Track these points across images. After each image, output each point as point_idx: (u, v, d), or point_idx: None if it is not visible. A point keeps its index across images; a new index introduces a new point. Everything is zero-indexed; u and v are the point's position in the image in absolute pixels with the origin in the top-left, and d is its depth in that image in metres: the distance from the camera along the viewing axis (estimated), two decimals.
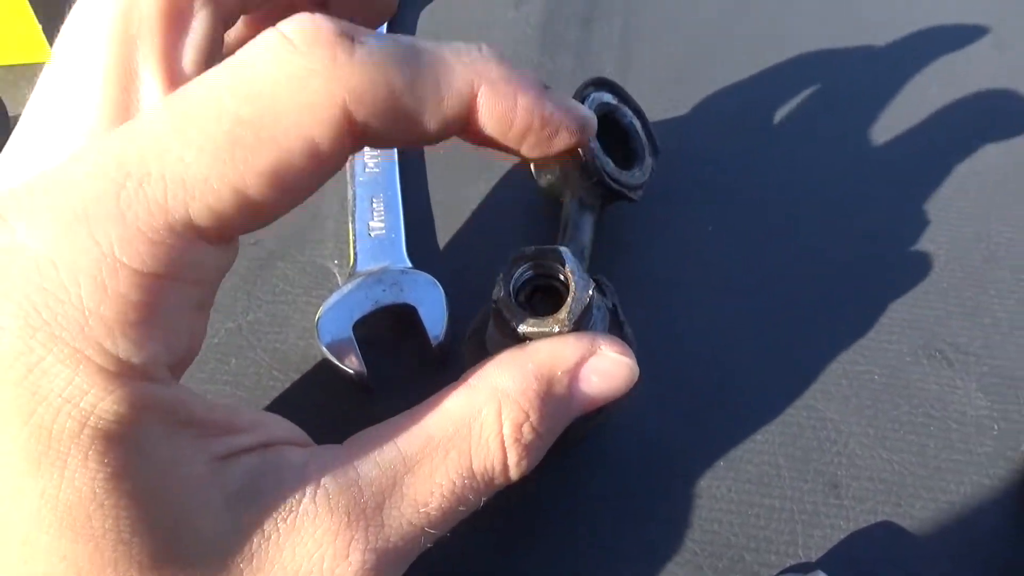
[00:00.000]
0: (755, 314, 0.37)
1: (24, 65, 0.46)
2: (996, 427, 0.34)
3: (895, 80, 0.47)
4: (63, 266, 0.16)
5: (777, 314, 0.37)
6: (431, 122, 0.20)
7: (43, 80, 0.22)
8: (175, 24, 0.21)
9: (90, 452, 0.17)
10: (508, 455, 0.22)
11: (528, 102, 0.21)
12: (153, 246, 0.17)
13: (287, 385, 0.34)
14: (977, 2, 0.53)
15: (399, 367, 0.34)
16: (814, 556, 0.30)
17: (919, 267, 0.39)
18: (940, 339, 0.36)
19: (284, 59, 0.18)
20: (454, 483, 0.21)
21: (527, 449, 0.22)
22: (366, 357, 0.33)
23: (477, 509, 0.23)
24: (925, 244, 0.40)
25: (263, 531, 0.19)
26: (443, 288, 0.35)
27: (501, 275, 0.24)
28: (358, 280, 0.35)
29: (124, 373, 0.17)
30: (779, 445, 0.33)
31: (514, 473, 0.22)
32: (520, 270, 0.24)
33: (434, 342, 0.34)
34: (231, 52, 0.19)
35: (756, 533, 0.31)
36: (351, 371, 0.33)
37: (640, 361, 0.33)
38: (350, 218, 0.38)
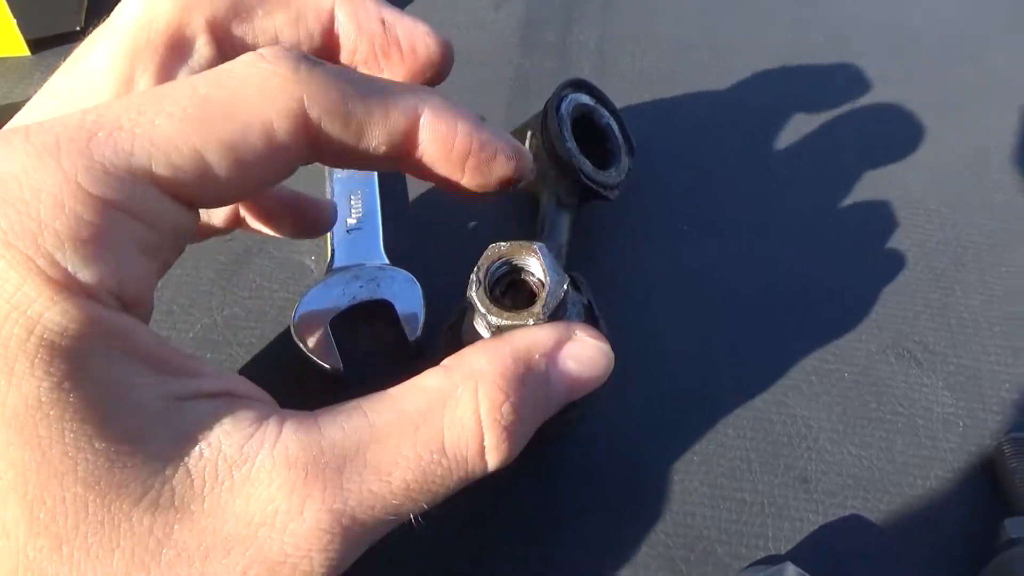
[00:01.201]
0: (728, 312, 0.37)
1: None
2: (961, 424, 0.34)
3: (868, 84, 0.48)
4: (27, 183, 0.18)
5: (749, 312, 0.37)
6: (379, 133, 0.22)
7: (52, 80, 0.24)
8: (175, 52, 0.24)
9: (36, 360, 0.17)
10: (485, 436, 0.21)
11: (467, 127, 0.23)
12: (112, 178, 0.19)
13: (263, 380, 0.34)
14: (949, 11, 0.54)
15: (376, 362, 0.34)
16: (784, 548, 0.31)
17: (889, 268, 0.40)
18: (908, 338, 0.37)
19: (254, 65, 0.21)
20: (421, 457, 0.20)
21: (506, 432, 0.21)
22: (343, 353, 0.33)
23: (448, 494, 0.21)
24: (895, 246, 0.41)
25: (216, 475, 0.18)
26: (420, 284, 0.35)
27: (476, 269, 0.24)
28: (335, 276, 0.36)
29: (71, 287, 0.18)
30: (751, 440, 0.33)
31: (491, 457, 0.21)
32: (495, 265, 0.24)
33: (411, 337, 0.34)
34: None
35: (728, 526, 0.31)
36: (327, 366, 0.33)
37: (615, 357, 0.34)
38: None
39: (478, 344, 0.23)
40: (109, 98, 0.23)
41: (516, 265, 0.25)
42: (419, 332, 0.34)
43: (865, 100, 0.47)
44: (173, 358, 0.20)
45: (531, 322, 0.23)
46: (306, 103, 0.21)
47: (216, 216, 0.31)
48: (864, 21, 0.53)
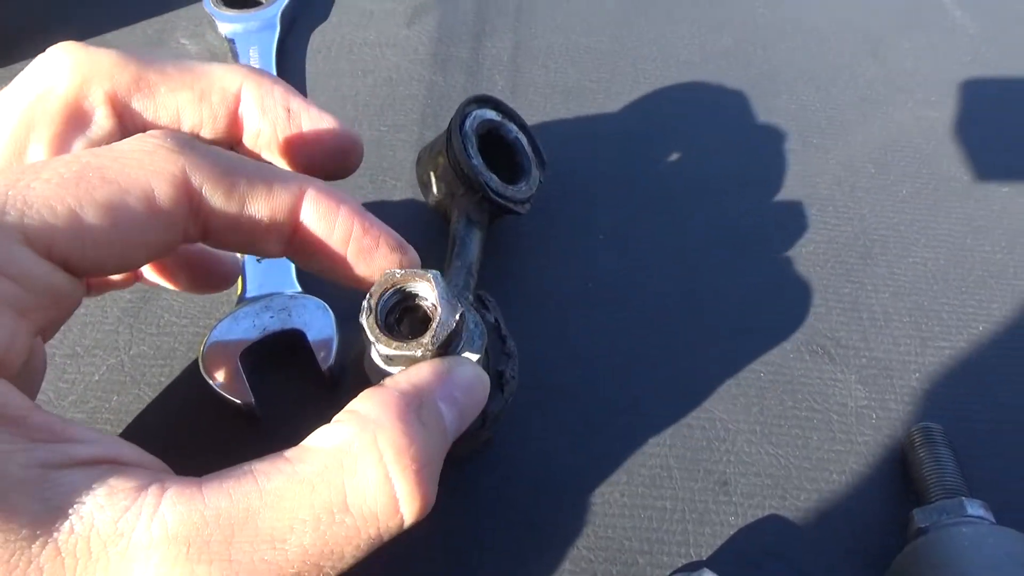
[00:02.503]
0: (644, 320, 0.38)
1: None
2: (874, 416, 0.35)
3: (775, 85, 0.49)
4: None
5: (666, 319, 0.38)
6: (261, 206, 0.22)
7: None
8: (72, 123, 0.24)
9: None
10: (396, 485, 0.20)
11: (349, 210, 0.24)
12: None
13: (173, 420, 0.33)
14: (854, 14, 0.56)
15: (289, 394, 0.34)
16: (704, 554, 0.31)
17: (801, 266, 0.40)
18: (821, 334, 0.38)
19: (139, 140, 0.21)
20: (320, 519, 0.19)
21: (418, 477, 0.20)
22: (254, 386, 0.32)
23: (359, 557, 0.20)
24: (805, 243, 0.41)
25: (89, 553, 0.17)
26: (333, 312, 0.35)
27: (368, 296, 0.24)
28: (246, 307, 0.35)
29: None
30: (670, 447, 0.34)
31: (408, 508, 0.20)
32: (388, 293, 0.24)
33: (324, 366, 0.33)
34: None
35: (649, 535, 0.31)
36: (239, 401, 0.32)
37: (529, 372, 0.34)
38: None
39: (363, 395, 0.22)
40: None
41: (409, 292, 0.24)
42: (332, 360, 0.33)
43: (772, 102, 0.48)
44: (44, 423, 0.18)
45: (419, 353, 0.23)
46: (188, 170, 0.21)
47: None
48: (770, 24, 0.54)
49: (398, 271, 0.25)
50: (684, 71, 0.50)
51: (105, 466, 0.19)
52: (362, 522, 0.19)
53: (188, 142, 0.22)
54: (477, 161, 0.35)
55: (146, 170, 0.20)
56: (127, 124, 0.25)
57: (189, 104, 0.25)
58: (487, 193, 0.35)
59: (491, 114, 0.37)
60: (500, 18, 0.52)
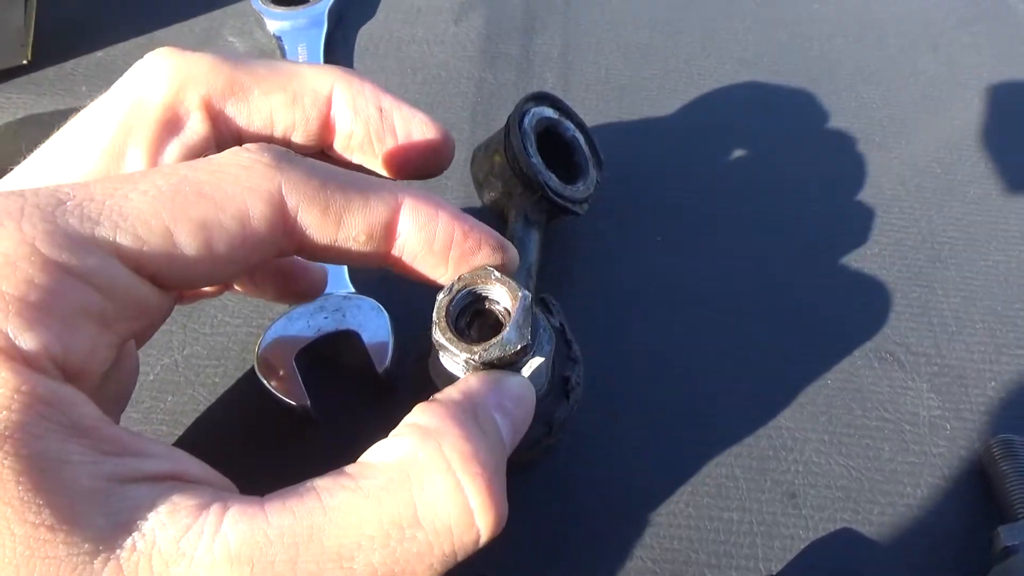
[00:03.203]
0: (706, 326, 0.36)
1: None
2: (948, 426, 0.34)
3: (834, 82, 0.48)
4: None
5: (728, 325, 0.36)
6: (358, 221, 0.22)
7: (43, 148, 0.24)
8: (168, 128, 0.24)
9: None
10: (469, 495, 0.19)
11: (448, 216, 0.23)
12: (73, 244, 0.18)
13: (228, 421, 0.33)
14: (912, 6, 0.54)
15: (345, 396, 0.33)
16: (774, 568, 0.30)
17: (866, 269, 0.39)
18: (890, 341, 0.36)
19: (236, 154, 0.21)
20: (389, 535, 0.18)
21: (489, 487, 0.19)
22: (309, 388, 0.32)
23: (437, 573, 0.19)
24: (871, 247, 0.40)
25: (151, 572, 0.17)
26: (387, 312, 0.34)
27: (437, 309, 0.23)
28: (299, 308, 0.34)
29: (8, 351, 0.17)
30: (736, 456, 0.32)
31: (482, 521, 0.19)
32: (458, 297, 0.23)
33: (380, 368, 0.33)
34: None
35: (716, 548, 0.30)
36: (294, 403, 0.31)
37: (593, 378, 0.33)
38: None
39: (417, 408, 0.21)
40: (98, 171, 0.23)
41: (480, 295, 0.24)
42: (388, 362, 0.33)
43: (830, 99, 0.47)
44: (115, 436, 0.18)
45: (499, 353, 0.22)
46: (284, 189, 0.20)
47: None
48: (826, 19, 0.52)
49: (464, 274, 0.24)
50: (738, 67, 0.48)
51: (170, 483, 0.18)
52: (435, 537, 0.19)
53: (285, 155, 0.21)
54: (536, 160, 0.34)
55: (242, 187, 0.20)
56: (221, 128, 0.25)
57: (282, 107, 0.25)
58: (546, 193, 0.34)
59: (549, 112, 0.36)
60: (549, 15, 0.51)
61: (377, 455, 0.20)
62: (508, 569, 0.29)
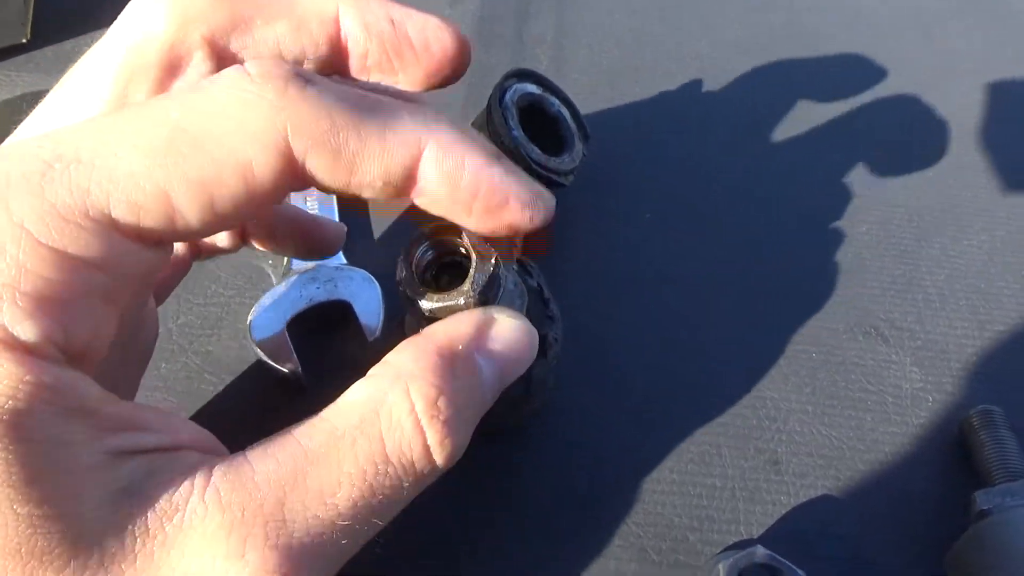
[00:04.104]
0: (694, 300, 0.37)
1: None
2: (930, 399, 0.34)
3: (824, 65, 0.48)
4: None
5: (715, 299, 0.37)
6: (374, 167, 0.20)
7: (48, 98, 0.23)
8: (171, 68, 0.22)
9: None
10: (428, 434, 0.20)
11: (476, 165, 0.21)
12: (64, 223, 0.17)
13: (220, 388, 0.33)
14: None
15: (335, 364, 0.33)
16: (756, 532, 0.30)
17: (852, 247, 0.39)
18: (875, 316, 0.37)
19: (237, 86, 0.19)
20: (365, 471, 0.19)
21: (446, 426, 0.20)
22: (301, 355, 0.32)
23: (402, 505, 0.21)
24: (858, 224, 0.40)
25: (148, 530, 0.18)
26: (379, 283, 0.34)
27: (402, 256, 0.23)
28: (292, 278, 0.35)
29: (8, 342, 0.17)
30: (720, 425, 0.33)
31: (438, 455, 0.20)
32: (421, 249, 0.24)
33: (370, 337, 0.33)
34: None
35: (699, 512, 0.31)
36: (285, 370, 0.32)
37: (577, 346, 0.33)
38: None
39: (399, 347, 0.22)
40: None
41: (442, 248, 0.24)
42: (378, 332, 0.33)
43: (821, 81, 0.47)
44: (116, 413, 0.19)
45: (461, 301, 0.22)
46: (290, 134, 0.19)
47: (220, 236, 0.29)
48: (817, 3, 0.53)
49: (426, 227, 0.24)
50: (732, 52, 0.49)
51: (166, 452, 0.19)
52: (402, 470, 0.20)
53: (292, 83, 0.19)
54: (518, 132, 0.34)
55: (243, 134, 0.18)
56: (226, 64, 0.23)
57: (288, 34, 0.23)
58: (529, 165, 0.34)
59: (532, 87, 0.37)
60: None
61: (352, 394, 0.21)
62: (497, 530, 0.30)
